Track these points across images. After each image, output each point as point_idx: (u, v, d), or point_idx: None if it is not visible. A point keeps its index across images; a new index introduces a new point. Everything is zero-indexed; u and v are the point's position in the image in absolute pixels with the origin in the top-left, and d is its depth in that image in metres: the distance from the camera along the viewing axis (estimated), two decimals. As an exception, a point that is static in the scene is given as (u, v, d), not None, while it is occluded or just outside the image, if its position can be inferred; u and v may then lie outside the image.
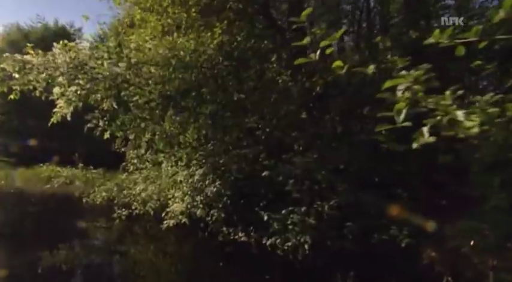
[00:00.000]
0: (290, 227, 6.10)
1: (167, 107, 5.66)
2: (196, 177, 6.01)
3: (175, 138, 6.00)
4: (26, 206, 11.72)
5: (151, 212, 8.13)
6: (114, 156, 12.56)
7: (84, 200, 10.24)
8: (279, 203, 6.51)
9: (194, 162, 6.44)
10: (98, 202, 9.99)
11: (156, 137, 5.94)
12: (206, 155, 6.35)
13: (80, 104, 6.54)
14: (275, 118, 5.96)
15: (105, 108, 6.71)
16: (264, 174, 5.48)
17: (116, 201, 10.25)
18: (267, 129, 6.37)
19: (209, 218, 6.37)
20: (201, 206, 5.96)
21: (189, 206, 6.07)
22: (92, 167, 10.13)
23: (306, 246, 5.71)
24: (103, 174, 10.41)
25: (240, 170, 6.15)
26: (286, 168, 5.54)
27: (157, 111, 5.56)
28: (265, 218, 6.39)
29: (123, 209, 7.52)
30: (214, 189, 5.86)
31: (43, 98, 6.85)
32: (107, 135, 6.92)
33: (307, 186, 6.12)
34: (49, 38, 28.85)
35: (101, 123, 6.52)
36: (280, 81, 5.79)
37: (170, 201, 6.98)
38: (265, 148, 6.35)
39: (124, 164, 11.18)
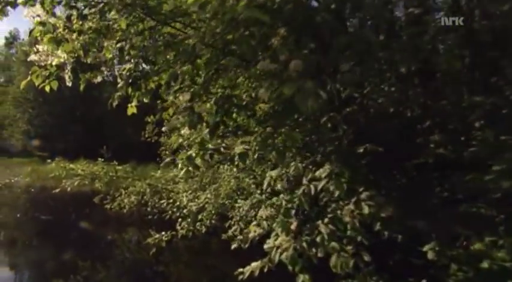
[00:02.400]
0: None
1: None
2: (321, 183, 2.58)
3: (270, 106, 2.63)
4: (38, 211, 8.73)
5: (202, 230, 4.85)
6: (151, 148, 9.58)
7: (108, 206, 7.05)
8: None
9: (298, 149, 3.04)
10: (125, 210, 6.80)
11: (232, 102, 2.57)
12: (325, 137, 2.94)
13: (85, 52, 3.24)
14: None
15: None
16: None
17: (149, 209, 7.05)
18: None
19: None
20: (336, 246, 2.53)
21: (304, 244, 2.66)
22: (116, 162, 6.91)
23: None
24: (131, 170, 7.19)
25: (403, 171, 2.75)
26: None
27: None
28: (431, 256, 3.00)
29: (163, 233, 4.21)
30: (367, 210, 2.42)
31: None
32: (132, 110, 3.64)
33: None
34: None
35: (121, 83, 3.22)
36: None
37: (250, 224, 3.66)
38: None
39: (164, 157, 7.97)
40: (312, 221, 3.03)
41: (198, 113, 2.35)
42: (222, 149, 2.47)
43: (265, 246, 3.11)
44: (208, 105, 2.48)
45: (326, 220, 2.92)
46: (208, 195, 4.49)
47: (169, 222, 7.12)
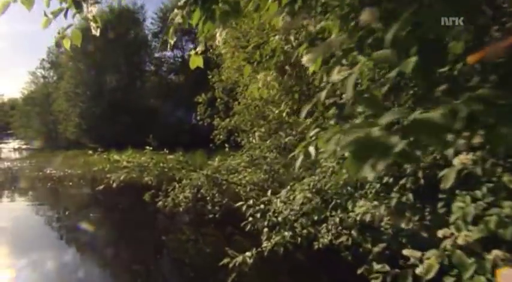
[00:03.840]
0: None
1: None
2: None
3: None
4: (86, 207, 7.82)
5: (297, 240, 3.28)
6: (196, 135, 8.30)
7: (161, 204, 5.78)
8: None
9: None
10: (181, 208, 5.47)
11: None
12: None
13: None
14: None
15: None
16: None
17: (209, 207, 5.68)
18: None
19: None
20: None
21: None
22: (167, 151, 5.57)
23: None
24: (185, 160, 5.82)
25: None
26: None
27: None
28: None
29: (247, 254, 2.67)
30: None
31: None
32: (197, 61, 2.01)
33: None
34: (115, 19, 26.04)
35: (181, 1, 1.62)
36: None
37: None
38: None
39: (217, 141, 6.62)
40: None
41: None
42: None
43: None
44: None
45: None
46: (308, 194, 2.91)
47: (232, 222, 5.70)
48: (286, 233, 2.76)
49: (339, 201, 3.14)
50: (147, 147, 5.64)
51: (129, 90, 24.74)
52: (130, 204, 7.50)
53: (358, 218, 2.70)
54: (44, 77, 37.21)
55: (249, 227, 2.91)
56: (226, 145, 6.45)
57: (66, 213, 7.40)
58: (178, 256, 5.02)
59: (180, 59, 26.91)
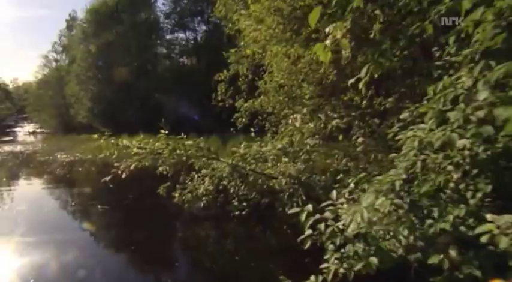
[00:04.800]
0: None
1: None
2: None
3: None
4: (94, 198, 7.06)
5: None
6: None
7: (177, 197, 4.93)
8: None
9: None
10: (202, 203, 4.61)
11: None
12: None
13: None
14: None
15: None
16: None
17: (235, 202, 4.82)
18: None
19: None
20: None
21: None
22: (184, 135, 4.65)
23: None
24: (206, 145, 4.89)
25: None
26: None
27: None
28: None
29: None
30: None
31: None
32: None
33: None
34: (125, 0, 24.84)
35: None
36: None
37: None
38: None
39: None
40: None
41: None
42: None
43: None
44: None
45: None
46: (396, 200, 1.96)
47: (258, 217, 4.85)
48: (373, 258, 1.85)
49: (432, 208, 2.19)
50: (162, 132, 4.75)
51: (141, 74, 23.80)
52: (142, 198, 6.74)
53: (483, 240, 1.74)
54: (56, 60, 36.51)
55: (309, 244, 2.00)
56: (252, 129, 5.50)
57: (71, 205, 6.69)
58: (200, 263, 4.19)
59: (192, 41, 25.71)
